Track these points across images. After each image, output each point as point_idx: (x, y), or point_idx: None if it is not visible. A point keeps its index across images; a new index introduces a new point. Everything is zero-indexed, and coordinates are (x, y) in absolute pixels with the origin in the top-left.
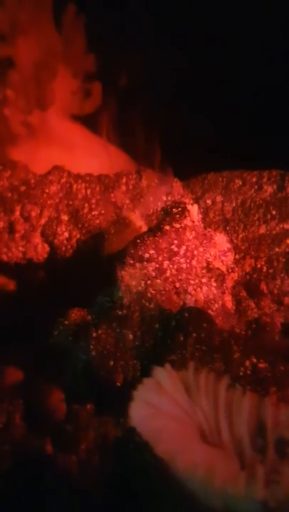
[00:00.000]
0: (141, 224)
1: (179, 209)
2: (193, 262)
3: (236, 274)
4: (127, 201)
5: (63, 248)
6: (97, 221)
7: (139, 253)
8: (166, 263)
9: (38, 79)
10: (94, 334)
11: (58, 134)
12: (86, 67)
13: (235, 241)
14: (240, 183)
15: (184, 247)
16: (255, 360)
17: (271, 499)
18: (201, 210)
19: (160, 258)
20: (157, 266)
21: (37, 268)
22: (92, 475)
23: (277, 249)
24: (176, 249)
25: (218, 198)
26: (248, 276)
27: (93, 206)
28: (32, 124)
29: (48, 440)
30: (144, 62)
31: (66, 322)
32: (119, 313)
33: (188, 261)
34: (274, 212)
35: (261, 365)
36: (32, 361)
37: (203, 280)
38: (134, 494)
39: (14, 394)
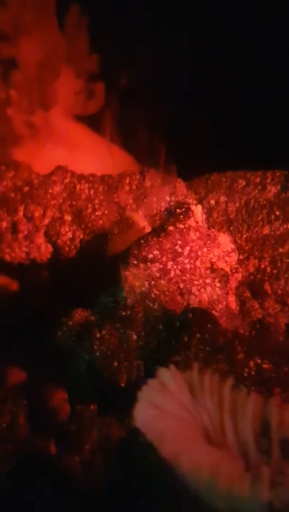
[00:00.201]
0: (144, 224)
1: (183, 209)
2: (197, 263)
3: (240, 275)
4: (131, 201)
5: (67, 248)
6: (101, 221)
7: (143, 254)
8: (170, 263)
9: (41, 79)
10: (97, 335)
11: (61, 134)
12: (89, 67)
13: (239, 241)
14: (244, 183)
15: (188, 248)
16: (259, 361)
17: (276, 500)
18: (205, 210)
19: (164, 259)
20: (161, 266)
21: (40, 268)
22: (96, 475)
23: (281, 250)
24: (180, 250)
25: (222, 199)
26: (251, 277)
27: (96, 206)
28: (35, 124)
29: (52, 440)
30: (147, 62)
31: (70, 322)
32: (123, 313)
33: (192, 261)
34: (278, 213)
35: (265, 366)
36: (35, 362)
37: (207, 281)
38: (138, 495)
39: (17, 394)
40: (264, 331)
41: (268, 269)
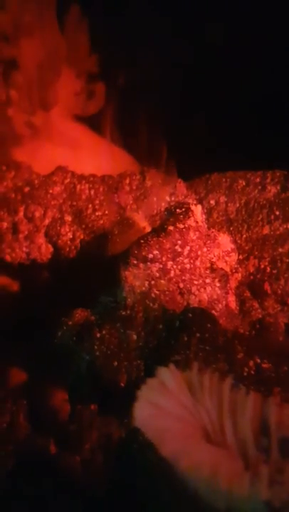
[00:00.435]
0: (144, 224)
1: (183, 209)
2: (197, 263)
3: (240, 275)
4: (131, 202)
5: (67, 249)
6: (101, 222)
7: (143, 253)
8: (169, 263)
9: (42, 80)
10: (98, 335)
11: (61, 135)
12: (89, 67)
13: (238, 241)
14: (244, 183)
15: (188, 248)
16: (259, 361)
17: (275, 499)
18: (205, 210)
19: (164, 258)
20: (161, 266)
21: (41, 268)
22: (96, 475)
23: (280, 250)
24: (179, 250)
25: (222, 199)
26: (251, 277)
27: (97, 207)
28: (35, 124)
29: (52, 440)
30: (147, 62)
31: (70, 322)
32: (123, 313)
33: (192, 261)
34: (278, 213)
35: (265, 366)
36: (36, 362)
37: (207, 280)
38: (138, 494)
39: (18, 394)
40: (264, 330)
41: (268, 269)
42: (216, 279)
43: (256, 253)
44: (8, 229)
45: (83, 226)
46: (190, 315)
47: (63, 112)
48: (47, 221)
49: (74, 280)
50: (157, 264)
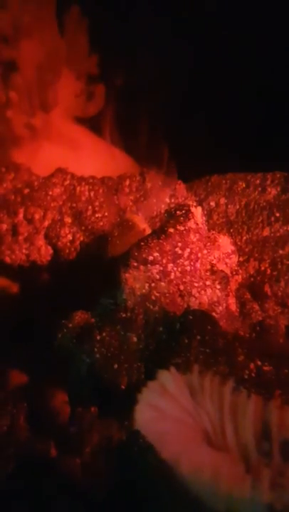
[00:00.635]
0: (144, 226)
1: (183, 211)
2: (198, 265)
3: (240, 277)
4: (131, 203)
5: (67, 250)
6: (101, 223)
7: (143, 256)
8: (170, 265)
9: (42, 81)
10: (98, 337)
11: (61, 136)
12: (89, 69)
13: (239, 243)
14: (244, 185)
15: (188, 250)
16: (259, 363)
17: (277, 502)
18: (205, 212)
19: (164, 261)
20: (161, 268)
21: (40, 270)
22: (96, 477)
23: (281, 252)
24: (180, 252)
25: (222, 200)
26: (252, 279)
27: (97, 208)
28: (35, 126)
29: (52, 443)
30: (148, 63)
31: (70, 325)
32: (123, 315)
33: (192, 263)
34: (278, 215)
35: (266, 368)
36: (36, 364)
37: (208, 283)
38: (139, 497)
39: (18, 396)
40: (264, 333)
41: (268, 271)
42: (217, 281)
43: (256, 255)
44: (7, 231)
45: (83, 228)
46: (190, 317)
47: (63, 113)
48: (47, 223)
49: (74, 282)
50: (157, 266)
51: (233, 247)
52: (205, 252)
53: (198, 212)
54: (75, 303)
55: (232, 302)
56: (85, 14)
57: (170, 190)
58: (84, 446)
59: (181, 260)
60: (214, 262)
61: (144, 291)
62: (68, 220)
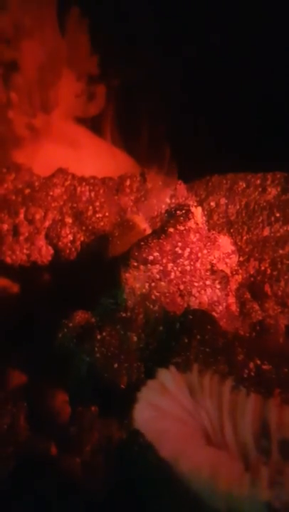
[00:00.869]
0: (145, 226)
1: (183, 211)
2: (198, 264)
3: (240, 277)
4: (131, 204)
5: (67, 250)
6: (102, 223)
7: (144, 255)
8: (170, 265)
9: (42, 82)
10: (98, 336)
11: (62, 137)
12: (90, 69)
13: (239, 243)
14: (244, 185)
15: (188, 250)
16: (259, 362)
17: (275, 500)
18: (205, 212)
19: (164, 260)
20: (161, 268)
21: (41, 270)
22: (96, 477)
23: (281, 252)
24: (180, 252)
25: (222, 201)
26: (252, 279)
27: (97, 209)
28: (36, 126)
29: (52, 442)
30: (148, 64)
31: (70, 324)
32: (124, 315)
33: (192, 263)
34: (278, 215)
35: (265, 367)
36: (36, 363)
37: (208, 282)
38: (138, 495)
39: (18, 396)
40: (264, 332)
41: (268, 271)
42: (217, 281)
43: (256, 255)
44: (8, 231)
45: (84, 228)
46: (190, 317)
47: (64, 113)
48: (47, 223)
49: (74, 282)
50: (158, 266)
51: (233, 247)
52: (205, 251)
53: (198, 212)
54: (76, 303)
55: (232, 302)
56: (85, 14)
57: (170, 191)
58: (84, 446)
59: (181, 260)
60: (214, 261)
61: (144, 290)
62: (69, 220)
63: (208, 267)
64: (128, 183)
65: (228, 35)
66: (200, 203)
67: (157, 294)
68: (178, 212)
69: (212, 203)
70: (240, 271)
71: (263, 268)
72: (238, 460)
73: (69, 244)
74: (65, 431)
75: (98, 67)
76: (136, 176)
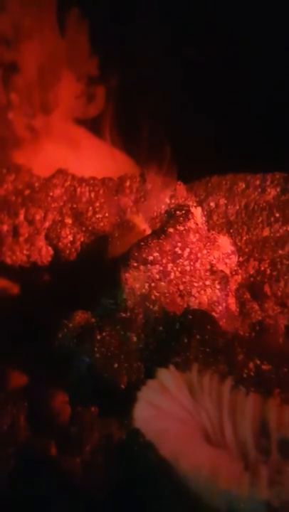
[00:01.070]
0: (145, 227)
1: (183, 212)
2: (197, 265)
3: (240, 277)
4: (131, 204)
5: (67, 251)
6: (101, 224)
7: (143, 256)
8: (170, 265)
9: (42, 83)
10: (98, 337)
11: (62, 138)
12: (90, 70)
13: (238, 243)
14: (244, 185)
15: (188, 250)
16: (258, 362)
17: (275, 500)
18: (205, 212)
19: (164, 261)
20: (161, 268)
21: (41, 271)
22: (97, 476)
23: (280, 252)
24: (180, 252)
25: (222, 201)
26: (251, 279)
27: (97, 209)
28: (36, 127)
29: (52, 442)
30: (148, 65)
31: (70, 325)
32: (123, 315)
33: (192, 263)
34: (277, 215)
35: (265, 367)
36: (36, 364)
37: (207, 282)
38: (139, 495)
39: (18, 396)
40: (264, 332)
41: (268, 271)
42: (216, 281)
43: (256, 255)
44: (8, 232)
45: (83, 228)
46: (190, 317)
47: (64, 114)
48: (47, 224)
49: (74, 282)
50: (157, 266)
51: (232, 247)
52: (205, 252)
53: (198, 212)
54: (76, 303)
55: (232, 302)
56: (85, 16)
57: (170, 191)
58: (84, 446)
59: (180, 260)
60: (214, 262)
61: (144, 291)
62: (69, 220)
63: (208, 267)
64: (128, 183)
65: (228, 35)
66: (200, 204)
67: (157, 294)
68: (178, 212)
69: (212, 204)
70: (239, 271)
71: (262, 268)
72: (238, 459)
73: (69, 244)
74: (65, 431)
75: (98, 68)
76: (136, 176)
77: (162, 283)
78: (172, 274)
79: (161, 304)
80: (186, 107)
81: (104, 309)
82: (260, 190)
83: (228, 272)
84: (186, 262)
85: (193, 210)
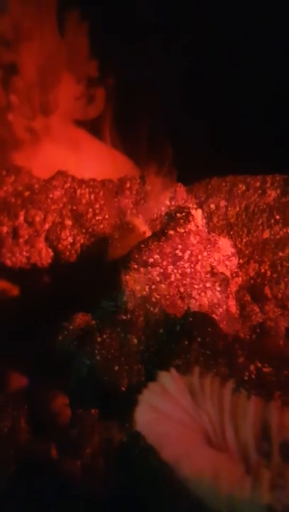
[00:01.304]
0: (145, 229)
1: (183, 214)
2: (198, 267)
3: (240, 279)
4: (131, 206)
5: (67, 253)
6: (101, 226)
7: (144, 258)
8: (170, 268)
9: (42, 84)
10: (98, 339)
11: (61, 139)
12: (89, 72)
13: (239, 245)
14: (244, 187)
15: (188, 252)
16: (259, 365)
17: (276, 503)
18: (205, 214)
19: (164, 263)
20: (162, 271)
21: (41, 273)
22: (97, 479)
23: (281, 254)
24: (180, 254)
25: (222, 203)
26: (252, 281)
27: (97, 211)
28: (36, 129)
29: (53, 445)
30: (148, 66)
31: (70, 327)
32: (124, 317)
33: (192, 265)
34: (278, 217)
35: (266, 370)
36: (36, 366)
37: (208, 285)
38: (139, 499)
39: (18, 399)
40: (264, 334)
41: (268, 273)
42: (217, 283)
43: (256, 257)
44: (8, 233)
45: (83, 230)
46: (191, 319)
47: (63, 116)
48: (47, 225)
49: (74, 284)
50: (158, 268)
51: (233, 250)
52: (205, 254)
53: (198, 214)
54: (76, 305)
55: (232, 304)
56: (85, 17)
57: (170, 193)
58: (84, 448)
59: (181, 262)
60: (214, 264)
61: (144, 293)
62: (69, 222)
63: (209, 269)
64: (128, 185)
65: (228, 35)
66: (200, 206)
67: (157, 296)
68: (178, 214)
69: (212, 206)
70: (240, 273)
71: (263, 270)
72: (239, 463)
73: (69, 246)
74: (65, 434)
75: (98, 70)
76: (136, 178)
77: (163, 285)
78: (173, 276)
79: (162, 306)
80: (186, 108)
81: (104, 311)
82: (260, 192)
83: (228, 274)
84: (186, 264)
85: (193, 212)
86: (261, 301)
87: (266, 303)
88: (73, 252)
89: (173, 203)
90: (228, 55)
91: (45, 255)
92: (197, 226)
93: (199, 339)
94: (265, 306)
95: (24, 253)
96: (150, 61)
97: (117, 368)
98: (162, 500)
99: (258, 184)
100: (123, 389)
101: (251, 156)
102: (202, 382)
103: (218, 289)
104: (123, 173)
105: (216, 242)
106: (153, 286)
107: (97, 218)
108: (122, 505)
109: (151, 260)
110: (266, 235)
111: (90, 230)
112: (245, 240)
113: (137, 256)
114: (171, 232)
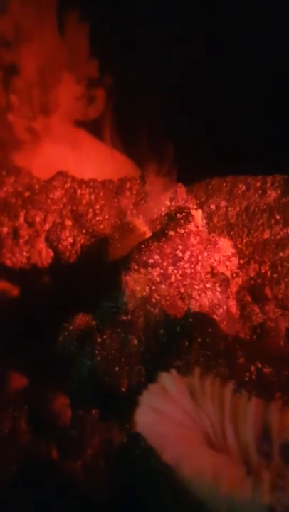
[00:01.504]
0: (145, 229)
1: (183, 214)
2: (198, 267)
3: (240, 279)
4: (131, 206)
5: (67, 253)
6: (102, 226)
7: (144, 258)
8: (170, 268)
9: (42, 85)
10: (99, 339)
11: (61, 140)
12: (89, 72)
13: (239, 246)
14: (244, 188)
15: (189, 252)
16: (260, 365)
17: (277, 504)
18: (205, 215)
19: (165, 263)
20: (162, 271)
21: (41, 273)
22: (98, 480)
23: (281, 254)
24: (180, 255)
25: (222, 203)
26: (252, 281)
27: (97, 211)
28: (36, 129)
29: (53, 445)
30: (148, 67)
31: (71, 327)
32: (124, 318)
33: (192, 266)
34: (278, 217)
35: (266, 370)
36: (36, 367)
37: (208, 285)
38: (140, 500)
39: (19, 399)
40: (265, 335)
41: (269, 274)
42: (217, 284)
43: (257, 257)
44: (8, 234)
45: (84, 231)
46: (191, 320)
47: (64, 116)
48: (47, 226)
49: (74, 285)
50: (158, 269)
51: (233, 250)
52: (205, 254)
53: (198, 215)
54: (76, 305)
55: (232, 305)
56: (85, 17)
57: (170, 193)
58: (85, 449)
59: (181, 263)
60: (215, 264)
61: (144, 293)
62: (69, 223)
63: (209, 269)
64: (128, 185)
65: (229, 35)
66: (200, 206)
67: (158, 297)
68: (178, 215)
69: (212, 206)
70: (240, 273)
71: (263, 271)
72: (240, 464)
73: (69, 247)
74: (66, 434)
75: (98, 70)
76: (136, 178)
77: (163, 286)
78: (173, 276)
79: (162, 306)
80: (186, 108)
81: (104, 312)
82: (260, 192)
83: (228, 274)
84: (186, 265)
85: (193, 212)
86: (261, 302)
87: (266, 303)
88: (73, 252)
89: (173, 203)
90: (228, 54)
91: (45, 256)
92: (197, 226)
93: (200, 340)
94: (265, 306)
95: (24, 253)
96: (150, 61)
97: (117, 368)
98: (163, 501)
99: (258, 184)
100: (123, 390)
101: (251, 156)
102: (202, 383)
103: (219, 289)
104: (123, 173)
105: (216, 242)
106: (153, 287)
107: (97, 219)
108: (123, 505)
109: (151, 261)
110: (266, 235)
111: (90, 230)
112: (245, 240)
113: (137, 256)
114: (172, 232)
